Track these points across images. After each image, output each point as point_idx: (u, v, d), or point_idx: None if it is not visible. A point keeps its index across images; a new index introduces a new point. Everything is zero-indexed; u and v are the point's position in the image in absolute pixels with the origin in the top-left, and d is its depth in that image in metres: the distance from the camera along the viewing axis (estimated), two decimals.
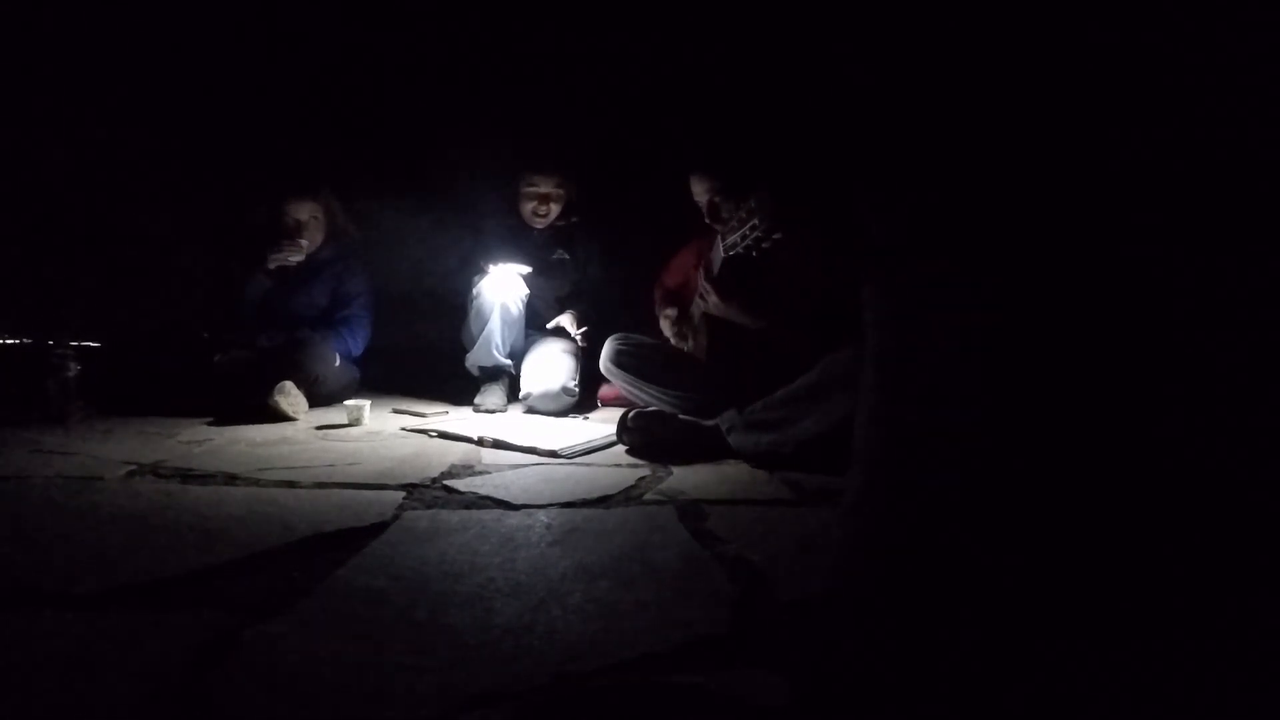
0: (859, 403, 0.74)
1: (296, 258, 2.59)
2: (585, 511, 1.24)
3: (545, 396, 2.38)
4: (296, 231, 2.61)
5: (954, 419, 0.61)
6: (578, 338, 2.56)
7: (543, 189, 2.63)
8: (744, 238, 1.78)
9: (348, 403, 2.16)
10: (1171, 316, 0.55)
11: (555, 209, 2.67)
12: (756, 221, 1.72)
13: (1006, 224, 0.59)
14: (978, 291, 0.60)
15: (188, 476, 1.43)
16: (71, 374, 2.12)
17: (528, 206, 2.65)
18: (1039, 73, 0.59)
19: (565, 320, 2.62)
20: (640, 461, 1.67)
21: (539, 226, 2.68)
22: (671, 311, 2.33)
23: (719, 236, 1.93)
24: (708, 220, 2.14)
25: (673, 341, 2.32)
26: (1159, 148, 0.55)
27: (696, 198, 2.15)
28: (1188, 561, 0.54)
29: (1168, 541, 0.55)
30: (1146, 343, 0.56)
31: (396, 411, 2.36)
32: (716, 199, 2.09)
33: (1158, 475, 0.56)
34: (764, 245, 1.75)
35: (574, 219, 2.75)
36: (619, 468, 1.60)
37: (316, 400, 2.35)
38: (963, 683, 0.58)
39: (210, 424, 2.06)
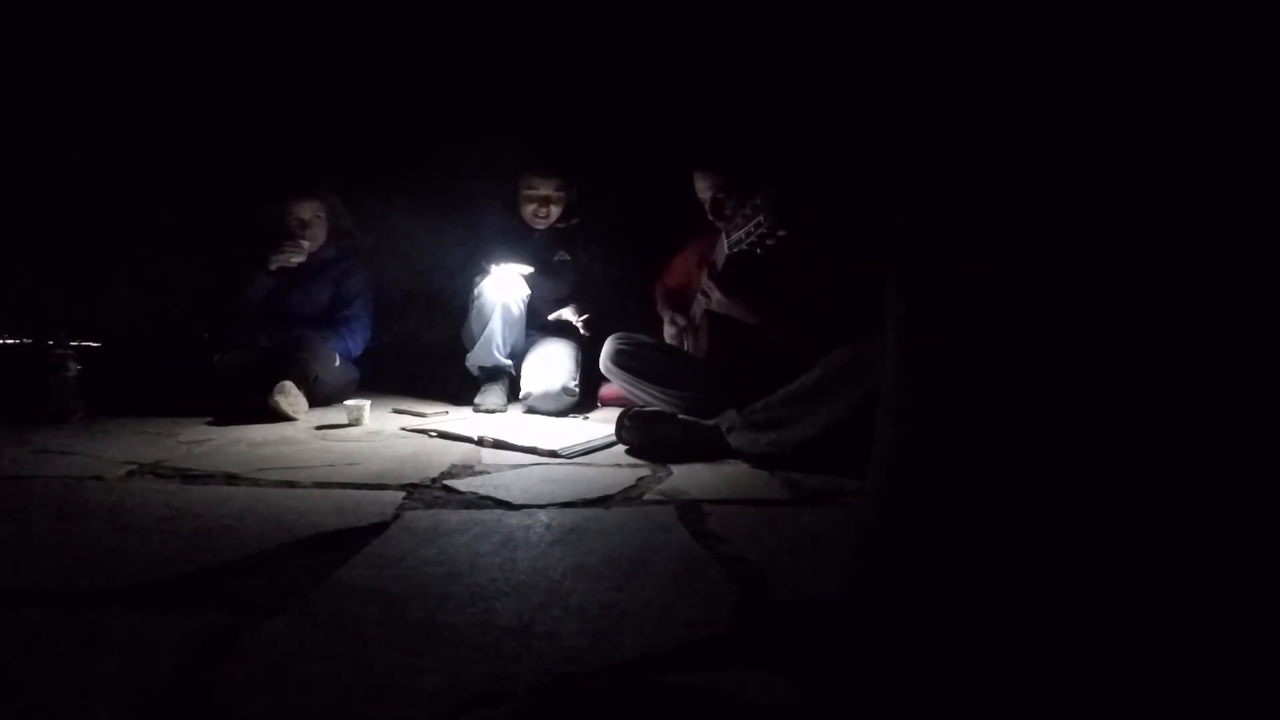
0: (882, 400, 0.73)
1: (298, 258, 2.59)
2: (585, 511, 1.24)
3: (545, 396, 2.38)
4: (299, 231, 2.61)
5: (982, 418, 0.61)
6: (580, 325, 2.55)
7: (542, 191, 2.63)
8: (748, 234, 1.78)
9: (348, 403, 2.16)
10: (1195, 315, 0.54)
11: (556, 211, 2.67)
12: (761, 219, 1.73)
13: (1038, 218, 0.58)
14: (1007, 287, 0.59)
15: (188, 476, 1.43)
16: (71, 373, 2.12)
17: (528, 208, 2.65)
18: (1063, 67, 0.58)
19: (568, 312, 2.61)
20: (640, 461, 1.67)
21: (539, 228, 2.68)
22: (681, 320, 2.34)
23: (722, 235, 1.93)
24: (711, 217, 2.14)
25: (674, 343, 2.33)
26: (1182, 143, 0.55)
27: (700, 195, 2.16)
28: (1210, 565, 0.54)
29: (1192, 545, 0.54)
30: (1173, 340, 0.55)
31: (396, 411, 2.36)
32: (720, 196, 2.10)
33: (1181, 476, 0.55)
34: (768, 242, 1.75)
35: (575, 221, 2.74)
36: (619, 468, 1.60)
37: (316, 400, 2.35)
38: (982, 690, 0.57)
39: (210, 424, 2.06)
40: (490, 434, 1.85)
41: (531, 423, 2.17)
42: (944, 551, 0.62)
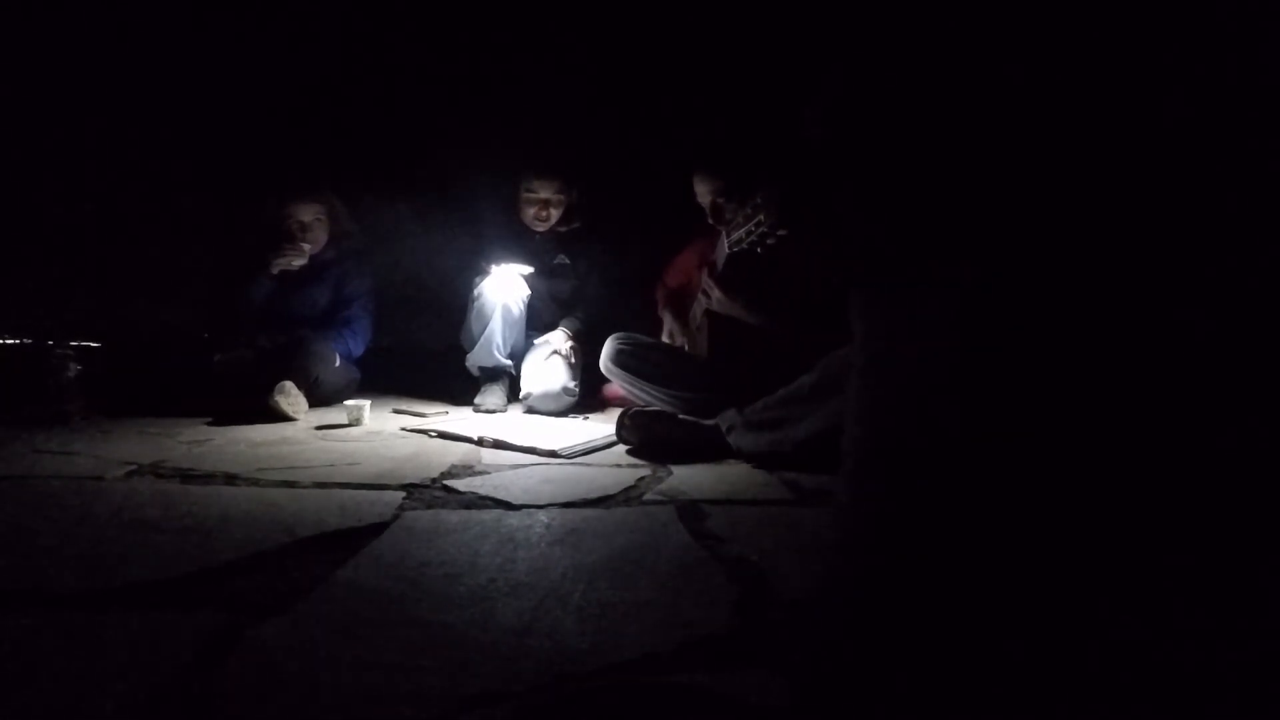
0: (846, 404, 0.74)
1: (299, 261, 2.59)
2: (585, 511, 1.24)
3: (545, 396, 2.38)
4: (300, 233, 2.61)
5: (936, 420, 0.62)
6: (565, 352, 2.49)
7: (542, 195, 2.62)
8: (749, 234, 1.78)
9: (348, 403, 2.16)
10: (1148, 313, 0.55)
11: (556, 214, 2.66)
12: (762, 218, 1.73)
13: (990, 230, 0.60)
14: (961, 295, 0.61)
15: (188, 476, 1.43)
16: (72, 374, 2.12)
17: (528, 211, 2.65)
18: (1017, 79, 0.59)
19: (557, 339, 2.54)
20: (640, 461, 1.67)
21: (540, 230, 2.68)
22: (678, 332, 2.34)
23: (723, 234, 1.94)
24: (710, 220, 2.15)
25: (675, 343, 2.34)
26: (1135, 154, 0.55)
27: (700, 198, 2.17)
28: (1171, 553, 0.55)
29: (1156, 535, 0.55)
30: (1127, 340, 0.56)
31: (396, 411, 2.36)
32: (719, 199, 2.10)
33: (1140, 471, 0.56)
34: (769, 242, 1.76)
35: (576, 225, 2.73)
36: (619, 468, 1.60)
37: (316, 400, 2.35)
38: (953, 682, 0.58)
39: (210, 424, 2.06)
40: (490, 434, 1.85)
41: (531, 423, 2.17)
42: (908, 554, 0.63)
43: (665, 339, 2.39)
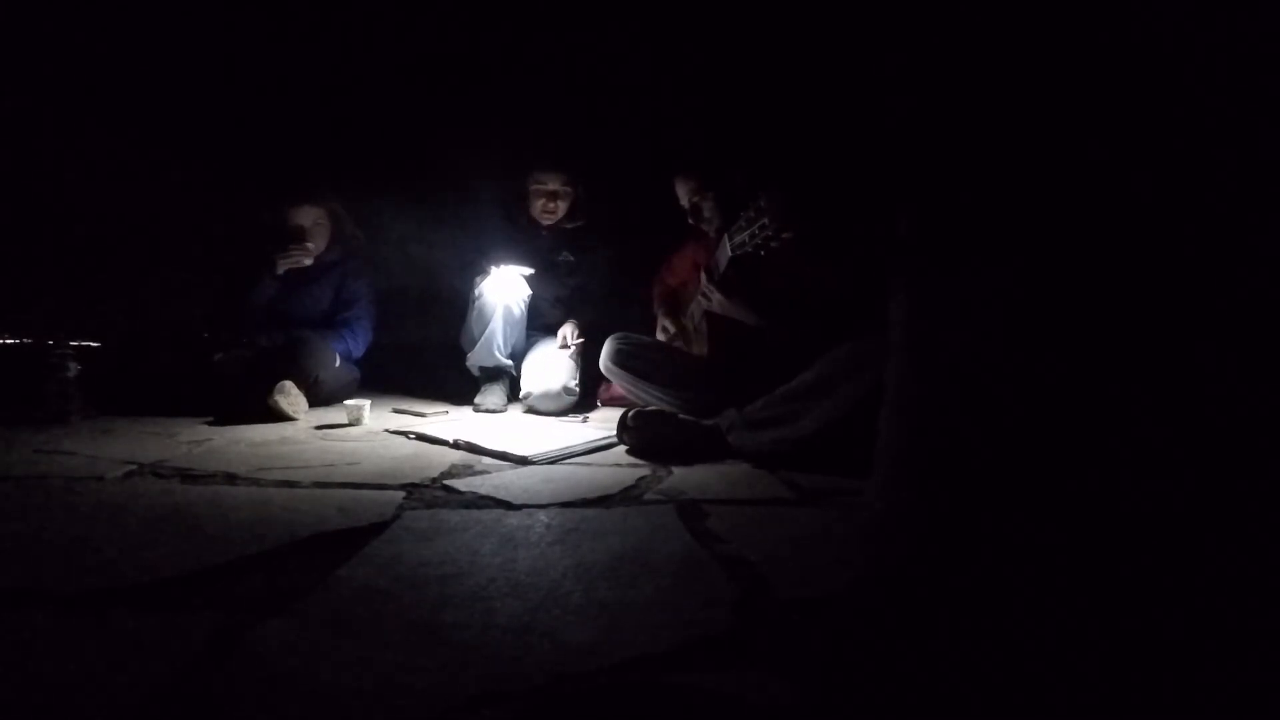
0: (884, 397, 0.73)
1: (306, 261, 2.59)
2: (585, 511, 1.23)
3: (545, 396, 2.38)
4: (302, 237, 2.62)
5: (984, 413, 0.61)
6: (572, 348, 2.55)
7: (550, 186, 2.65)
8: (753, 237, 1.79)
9: (348, 403, 2.16)
10: (1193, 311, 0.54)
11: (563, 207, 2.69)
12: (766, 221, 1.73)
13: (1038, 221, 0.59)
14: (1009, 285, 0.59)
15: (188, 476, 1.43)
16: (71, 374, 2.12)
17: (536, 204, 2.67)
18: (1059, 79, 0.58)
19: (565, 329, 2.61)
20: (640, 461, 1.66)
21: (547, 224, 2.70)
22: (670, 324, 2.36)
23: (725, 237, 1.94)
24: (691, 221, 2.21)
25: (669, 341, 2.35)
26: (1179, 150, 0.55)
27: (680, 200, 2.21)
28: (1220, 563, 0.54)
29: (1201, 542, 0.54)
30: (1172, 335, 0.55)
31: (397, 411, 2.36)
32: (695, 199, 2.15)
33: (1179, 471, 0.55)
34: (773, 245, 1.76)
35: (580, 222, 2.75)
36: (619, 468, 1.60)
37: (316, 400, 2.35)
38: (977, 685, 0.57)
39: (210, 424, 2.06)
40: (465, 437, 1.80)
41: (525, 424, 2.16)
42: (948, 548, 0.62)
43: (660, 336, 2.40)
